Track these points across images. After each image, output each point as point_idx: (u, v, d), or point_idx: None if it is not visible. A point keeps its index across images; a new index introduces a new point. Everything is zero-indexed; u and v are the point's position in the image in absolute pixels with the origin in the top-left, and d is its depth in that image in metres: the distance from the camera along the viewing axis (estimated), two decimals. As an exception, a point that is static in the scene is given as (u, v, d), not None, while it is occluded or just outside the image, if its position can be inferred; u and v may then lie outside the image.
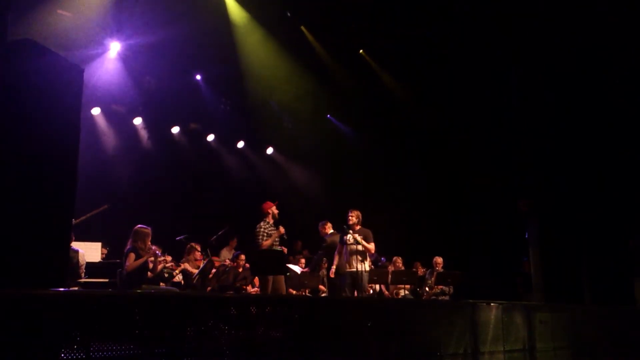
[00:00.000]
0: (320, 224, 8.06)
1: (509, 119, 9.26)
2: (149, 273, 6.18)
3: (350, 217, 7.35)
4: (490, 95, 9.63)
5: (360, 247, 7.20)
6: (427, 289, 8.77)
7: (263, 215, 6.98)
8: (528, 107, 8.89)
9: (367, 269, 7.33)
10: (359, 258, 7.23)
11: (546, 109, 8.63)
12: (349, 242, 7.27)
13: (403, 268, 8.96)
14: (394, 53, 10.20)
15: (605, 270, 7.71)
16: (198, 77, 10.42)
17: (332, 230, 7.96)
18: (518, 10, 8.27)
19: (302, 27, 10.02)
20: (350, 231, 7.25)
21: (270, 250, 6.80)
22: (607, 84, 7.87)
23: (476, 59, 9.42)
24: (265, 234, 6.79)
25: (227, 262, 8.96)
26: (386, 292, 9.29)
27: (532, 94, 8.87)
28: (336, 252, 7.49)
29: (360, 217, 7.42)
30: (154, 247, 6.28)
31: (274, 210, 6.97)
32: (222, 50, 9.48)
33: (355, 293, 7.24)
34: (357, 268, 7.14)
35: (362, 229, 7.36)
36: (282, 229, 6.88)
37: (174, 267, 7.17)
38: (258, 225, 6.86)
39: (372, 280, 8.26)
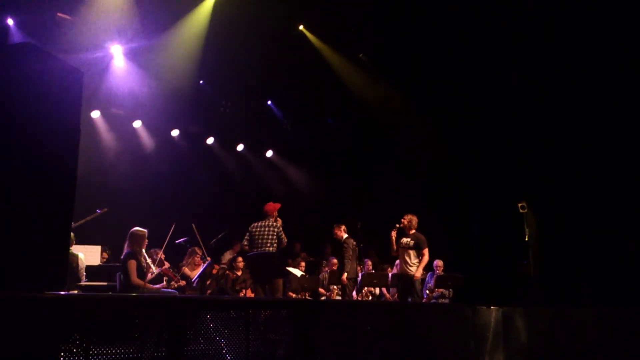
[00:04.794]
0: (335, 226, 8.14)
1: (508, 119, 9.25)
2: (148, 275, 6.17)
3: (401, 222, 7.61)
4: (490, 94, 9.61)
5: (411, 252, 7.44)
6: (427, 291, 8.76)
7: (268, 216, 7.04)
8: (528, 107, 8.88)
9: (418, 274, 7.55)
10: (409, 262, 7.44)
11: (546, 108, 8.61)
12: (402, 245, 7.49)
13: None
14: (391, 55, 10.20)
15: (605, 271, 7.69)
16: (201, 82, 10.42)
17: (346, 235, 8.07)
18: (518, 8, 8.28)
19: (302, 27, 10.01)
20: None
21: (270, 253, 6.82)
22: (609, 83, 7.85)
23: (475, 60, 9.41)
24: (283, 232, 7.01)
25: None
26: (387, 295, 9.29)
27: (532, 93, 8.86)
28: (349, 257, 7.85)
29: (413, 222, 7.61)
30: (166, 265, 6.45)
31: (275, 213, 7.07)
32: (221, 53, 9.47)
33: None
34: (407, 272, 7.40)
35: (415, 234, 7.56)
36: (280, 220, 7.10)
37: (171, 275, 7.16)
38: (276, 227, 6.95)
39: (371, 284, 8.32)
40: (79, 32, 8.01)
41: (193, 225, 8.11)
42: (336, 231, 8.13)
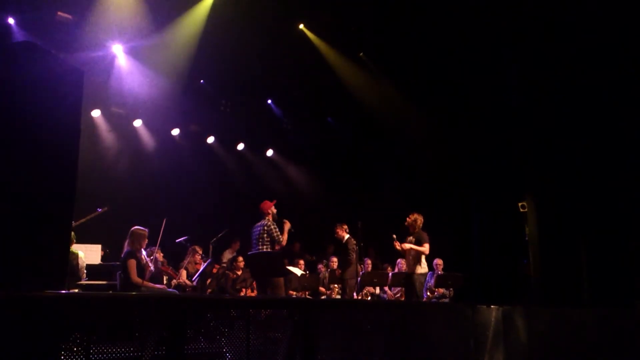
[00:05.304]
0: (337, 224, 8.14)
1: (508, 120, 9.26)
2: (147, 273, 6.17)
3: (406, 220, 7.70)
4: (490, 94, 9.61)
5: (412, 252, 7.53)
6: (428, 293, 8.75)
7: (263, 215, 6.96)
8: (528, 107, 8.89)
9: (423, 271, 7.58)
10: (412, 261, 7.55)
11: (547, 109, 8.62)
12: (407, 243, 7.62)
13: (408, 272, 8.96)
14: (391, 55, 10.19)
15: (604, 271, 7.70)
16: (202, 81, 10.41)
17: (348, 235, 8.07)
18: (518, 9, 8.28)
19: (302, 26, 10.00)
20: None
21: (268, 253, 6.79)
22: (609, 84, 7.85)
23: (476, 60, 9.41)
24: (279, 231, 6.82)
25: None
26: (389, 292, 9.29)
27: (532, 94, 8.86)
28: (351, 259, 7.90)
29: (416, 221, 7.67)
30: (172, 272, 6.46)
31: (273, 210, 6.98)
32: (221, 52, 9.46)
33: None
34: (411, 271, 7.51)
35: (418, 232, 7.64)
36: (288, 223, 6.91)
37: (171, 272, 7.16)
38: (266, 225, 6.81)
39: (371, 283, 8.34)
40: (80, 31, 8.01)
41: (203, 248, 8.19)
42: (338, 230, 8.12)
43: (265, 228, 6.79)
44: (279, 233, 6.81)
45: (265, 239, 6.78)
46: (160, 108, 10.01)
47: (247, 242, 9.46)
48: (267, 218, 6.91)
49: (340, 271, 8.27)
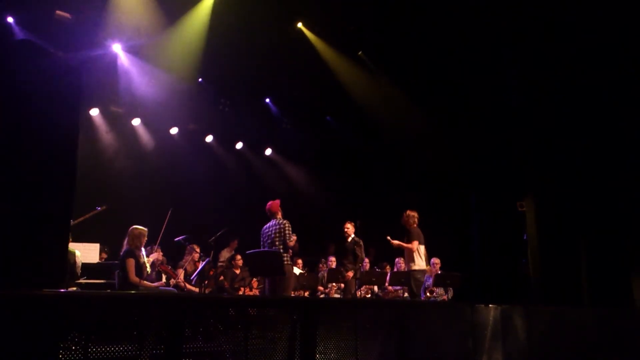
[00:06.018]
0: (349, 221, 8.14)
1: (508, 120, 9.26)
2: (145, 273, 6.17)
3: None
4: (490, 94, 9.61)
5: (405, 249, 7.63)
6: (427, 293, 8.73)
7: (274, 215, 6.91)
8: (528, 107, 8.89)
9: (418, 268, 7.61)
10: (407, 259, 7.65)
11: (547, 109, 8.63)
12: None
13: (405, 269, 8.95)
14: (391, 54, 10.18)
15: (603, 271, 7.71)
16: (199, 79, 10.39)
17: (354, 234, 8.05)
18: (518, 9, 8.28)
19: (300, 25, 9.97)
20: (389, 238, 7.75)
21: (267, 251, 6.76)
22: (609, 84, 7.86)
23: (476, 60, 9.41)
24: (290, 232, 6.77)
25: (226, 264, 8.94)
26: (390, 288, 9.27)
27: (532, 94, 8.87)
28: (362, 256, 7.93)
29: (409, 218, 7.71)
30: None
31: (276, 210, 6.96)
32: (220, 51, 9.45)
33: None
34: (410, 267, 7.61)
35: (413, 229, 7.69)
36: (294, 237, 6.83)
37: (170, 272, 7.14)
38: (282, 223, 6.75)
39: (370, 282, 8.33)
40: (79, 30, 7.99)
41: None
42: (348, 225, 8.08)
43: (280, 227, 6.72)
44: (290, 234, 6.73)
45: (275, 240, 6.75)
46: (159, 107, 9.98)
47: (244, 241, 9.48)
48: (278, 217, 6.86)
49: (352, 273, 8.04)
